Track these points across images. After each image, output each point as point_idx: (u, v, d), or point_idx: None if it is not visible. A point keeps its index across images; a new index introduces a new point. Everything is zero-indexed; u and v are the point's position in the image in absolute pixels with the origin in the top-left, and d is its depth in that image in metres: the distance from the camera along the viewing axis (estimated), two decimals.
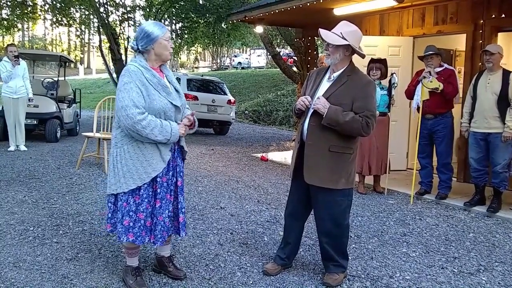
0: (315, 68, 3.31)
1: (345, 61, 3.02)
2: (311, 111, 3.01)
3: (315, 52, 9.68)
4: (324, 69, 3.17)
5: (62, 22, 17.63)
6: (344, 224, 3.10)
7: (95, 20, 17.97)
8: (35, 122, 8.82)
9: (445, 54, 6.79)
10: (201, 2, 16.62)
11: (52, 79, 10.05)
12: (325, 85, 3.07)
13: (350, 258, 3.52)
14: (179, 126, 2.84)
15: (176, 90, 2.91)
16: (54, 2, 16.61)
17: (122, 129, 2.74)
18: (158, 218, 2.82)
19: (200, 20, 17.00)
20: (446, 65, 5.49)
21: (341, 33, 2.94)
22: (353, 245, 3.85)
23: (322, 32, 3.01)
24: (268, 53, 19.74)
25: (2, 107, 8.05)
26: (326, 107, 2.90)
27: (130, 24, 18.27)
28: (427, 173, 5.62)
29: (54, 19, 17.66)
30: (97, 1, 16.09)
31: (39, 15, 18.61)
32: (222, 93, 12.63)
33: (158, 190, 2.81)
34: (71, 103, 10.49)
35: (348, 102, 2.95)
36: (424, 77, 5.23)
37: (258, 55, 37.58)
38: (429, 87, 5.18)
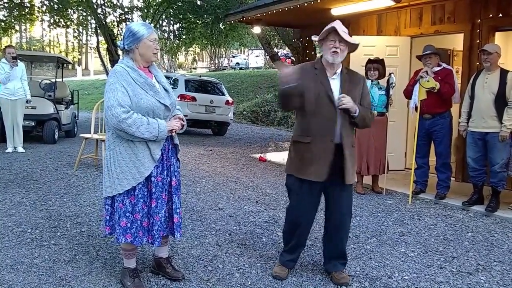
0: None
1: None
2: (338, 111, 2.97)
3: (313, 52, 9.69)
4: (314, 64, 3.12)
5: (59, 24, 17.62)
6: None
7: (93, 21, 17.97)
8: (33, 124, 8.79)
9: (443, 53, 6.80)
10: (198, 2, 16.64)
11: (50, 80, 10.03)
12: (333, 83, 3.05)
13: (348, 258, 3.52)
14: (173, 120, 2.86)
15: (166, 90, 2.91)
16: (52, 4, 16.60)
17: (113, 130, 2.75)
18: (155, 218, 2.82)
19: (197, 21, 17.01)
20: (444, 65, 5.50)
21: (347, 32, 3.02)
22: (352, 245, 3.85)
23: (340, 31, 2.93)
24: (266, 54, 19.73)
25: (0, 109, 8.03)
26: (356, 104, 2.98)
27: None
28: (423, 173, 5.62)
29: (52, 21, 17.66)
30: (95, 2, 16.09)
31: (37, 16, 18.62)
32: (220, 94, 12.61)
33: (153, 190, 2.81)
34: (69, 105, 10.47)
35: (357, 99, 3.05)
36: (421, 77, 5.24)
37: (256, 56, 37.57)
38: (426, 86, 5.20)
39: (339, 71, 3.07)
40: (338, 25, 2.98)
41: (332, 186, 3.06)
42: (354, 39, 3.07)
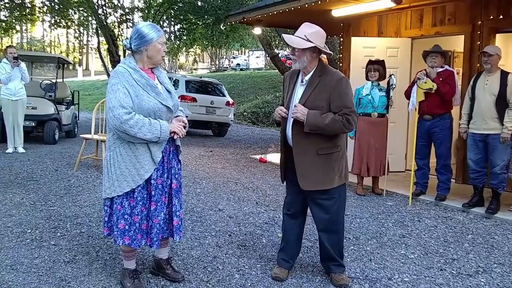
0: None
1: (313, 62, 3.02)
2: (291, 119, 3.03)
3: None
4: (296, 71, 3.15)
5: (60, 24, 17.62)
6: (340, 220, 3.15)
7: (94, 22, 17.98)
8: (34, 124, 8.80)
9: (448, 56, 6.79)
10: (199, 3, 16.64)
11: (51, 80, 10.03)
12: (299, 89, 3.08)
13: (348, 260, 3.54)
14: (175, 123, 2.84)
15: (168, 91, 2.90)
16: (53, 4, 16.61)
17: (114, 132, 2.74)
18: (154, 221, 2.81)
19: (198, 22, 17.01)
20: (446, 67, 5.50)
21: (305, 35, 2.92)
22: (352, 247, 3.84)
23: (286, 37, 2.99)
24: (267, 55, 19.73)
25: (1, 109, 8.04)
26: (305, 113, 2.91)
27: (128, 26, 18.29)
28: (423, 174, 5.62)
29: (53, 21, 17.66)
30: (96, 2, 16.10)
31: (38, 16, 18.62)
32: (221, 95, 12.62)
33: (153, 193, 2.80)
34: (70, 105, 10.47)
35: (325, 104, 2.96)
36: (419, 79, 5.26)
37: (257, 57, 37.56)
38: (423, 88, 5.22)
39: (308, 77, 3.03)
40: (299, 30, 2.96)
41: (305, 191, 3.07)
42: (303, 43, 2.90)
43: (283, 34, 3.03)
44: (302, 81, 3.07)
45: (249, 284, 3.06)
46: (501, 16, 5.88)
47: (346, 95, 2.99)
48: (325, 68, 3.04)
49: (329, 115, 2.93)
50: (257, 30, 9.79)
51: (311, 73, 3.03)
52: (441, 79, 5.26)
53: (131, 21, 18.20)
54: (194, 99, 11.58)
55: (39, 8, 17.30)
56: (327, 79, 2.98)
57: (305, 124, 2.92)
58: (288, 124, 3.08)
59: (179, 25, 18.39)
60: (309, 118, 2.90)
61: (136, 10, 18.52)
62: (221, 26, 16.83)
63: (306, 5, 6.73)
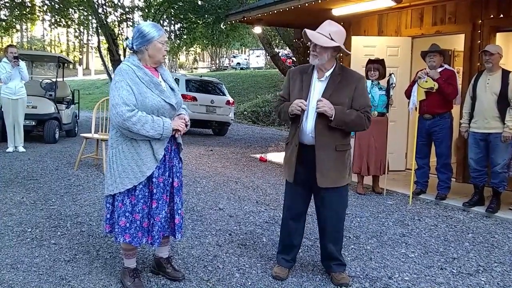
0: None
1: (332, 60, 3.03)
2: (314, 114, 2.98)
3: None
4: (307, 68, 3.13)
5: (60, 23, 17.61)
6: (344, 217, 3.21)
7: (94, 21, 17.97)
8: (34, 123, 8.80)
9: (447, 55, 6.78)
10: (199, 2, 16.63)
11: (51, 80, 10.02)
12: (318, 85, 3.05)
13: (349, 259, 3.54)
14: (177, 120, 2.85)
15: (172, 89, 2.90)
16: (53, 3, 16.60)
17: (117, 129, 2.74)
18: (155, 219, 2.82)
19: (198, 21, 17.01)
20: (446, 66, 5.49)
21: (329, 34, 2.92)
22: (352, 246, 3.84)
23: (309, 33, 2.96)
24: (267, 54, 19.73)
25: (1, 108, 8.04)
26: (333, 108, 2.91)
27: (128, 25, 18.29)
28: (423, 173, 5.62)
29: (53, 20, 17.65)
30: (96, 2, 16.09)
31: (38, 16, 18.60)
32: (221, 94, 12.62)
33: (154, 191, 2.80)
34: (70, 104, 10.47)
35: (347, 101, 3.00)
36: (420, 78, 5.25)
37: (257, 56, 37.58)
38: (424, 87, 5.21)
39: (328, 73, 3.02)
40: (323, 27, 2.95)
41: (315, 188, 3.08)
42: (327, 41, 2.89)
43: (306, 30, 2.94)
44: (320, 78, 3.05)
45: (249, 283, 3.06)
46: (502, 15, 5.88)
47: (366, 93, 3.13)
48: (342, 67, 3.10)
49: (353, 112, 2.99)
50: (257, 29, 9.80)
51: (330, 70, 3.02)
52: (442, 79, 5.25)
53: (131, 20, 18.18)
54: (194, 98, 11.58)
55: (39, 7, 17.28)
56: (349, 78, 3.03)
57: (333, 119, 2.91)
58: (306, 119, 3.03)
59: (179, 24, 18.39)
60: (337, 113, 2.92)
61: (136, 9, 18.49)
62: (221, 25, 16.83)
63: (307, 4, 6.73)
